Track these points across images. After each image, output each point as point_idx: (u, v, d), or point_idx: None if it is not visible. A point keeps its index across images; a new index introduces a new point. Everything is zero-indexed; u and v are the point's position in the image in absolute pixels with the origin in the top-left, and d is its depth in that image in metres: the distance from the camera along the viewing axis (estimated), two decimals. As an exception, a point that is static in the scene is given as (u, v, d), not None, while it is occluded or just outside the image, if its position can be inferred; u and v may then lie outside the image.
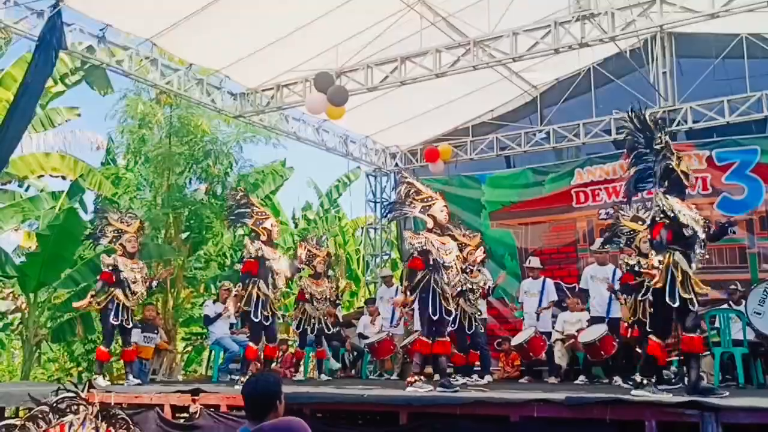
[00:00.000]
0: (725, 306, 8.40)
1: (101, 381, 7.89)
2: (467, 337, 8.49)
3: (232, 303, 8.14)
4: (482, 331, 9.02)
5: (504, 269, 11.40)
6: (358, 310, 14.14)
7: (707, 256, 6.19)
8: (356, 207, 43.05)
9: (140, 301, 8.51)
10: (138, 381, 8.25)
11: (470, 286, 8.31)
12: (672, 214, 5.69)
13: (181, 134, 13.20)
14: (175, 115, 13.21)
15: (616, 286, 8.43)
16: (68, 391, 6.29)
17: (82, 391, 6.89)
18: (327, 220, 19.28)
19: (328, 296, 9.29)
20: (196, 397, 6.79)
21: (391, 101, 11.12)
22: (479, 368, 9.04)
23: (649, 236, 6.14)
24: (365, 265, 15.16)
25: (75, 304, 9.09)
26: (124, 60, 9.29)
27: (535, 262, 9.84)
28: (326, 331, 9.44)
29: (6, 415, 7.67)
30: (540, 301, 9.33)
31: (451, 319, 6.97)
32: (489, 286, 9.10)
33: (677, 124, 10.67)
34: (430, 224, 6.87)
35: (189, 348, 16.97)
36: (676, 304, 5.64)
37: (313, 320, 9.17)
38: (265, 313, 7.65)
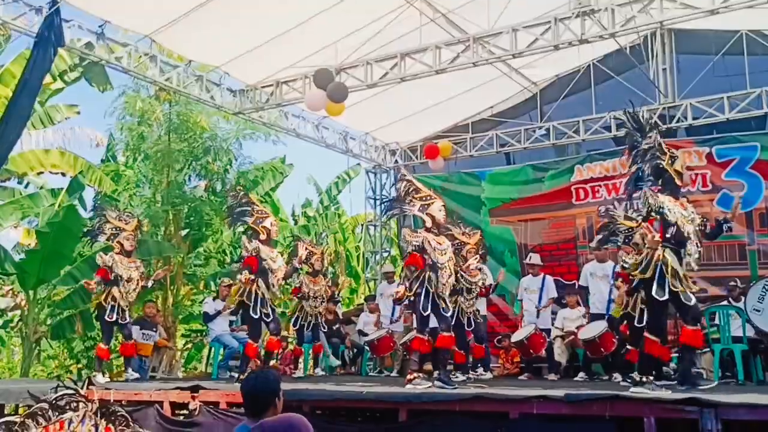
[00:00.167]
0: (725, 303, 8.42)
1: (101, 378, 7.90)
2: (468, 333, 8.48)
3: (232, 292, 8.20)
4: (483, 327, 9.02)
5: (504, 266, 11.41)
6: (358, 307, 14.14)
7: (700, 252, 6.16)
8: (356, 204, 43.16)
9: (133, 299, 8.50)
10: (137, 375, 8.26)
11: (467, 285, 8.30)
12: (661, 211, 5.72)
13: (181, 131, 13.18)
14: (174, 111, 13.19)
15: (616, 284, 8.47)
16: (68, 388, 6.27)
17: (82, 388, 6.88)
18: (327, 217, 19.28)
19: (323, 294, 9.33)
20: (195, 394, 6.79)
21: (391, 98, 11.11)
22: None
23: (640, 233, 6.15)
24: (365, 262, 15.16)
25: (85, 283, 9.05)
26: (123, 57, 9.27)
27: (535, 258, 9.83)
28: (322, 328, 9.49)
29: (5, 412, 7.67)
30: (540, 297, 9.32)
31: (449, 315, 6.96)
32: (491, 284, 9.11)
33: (677, 121, 10.66)
34: (428, 223, 6.87)
35: (189, 345, 16.99)
36: (664, 297, 5.65)
37: (310, 318, 9.23)
38: (264, 311, 7.68)
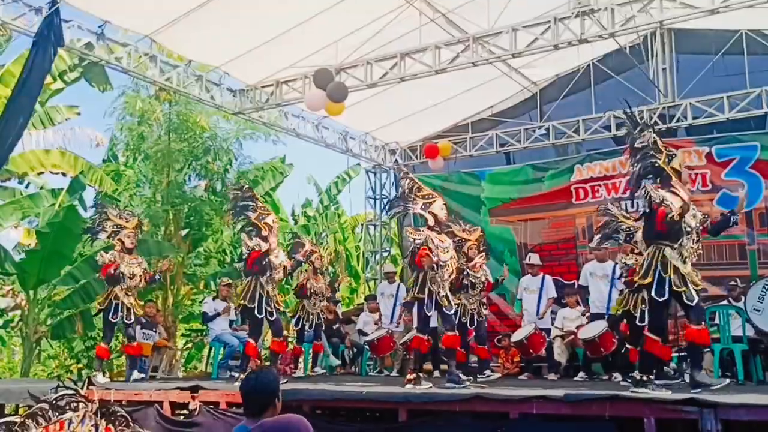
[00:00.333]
0: (725, 302, 8.41)
1: (101, 378, 7.91)
2: (470, 332, 8.49)
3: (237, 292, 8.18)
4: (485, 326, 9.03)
5: (504, 266, 11.39)
6: (358, 306, 14.14)
7: (701, 251, 6.13)
8: (356, 203, 43.10)
9: (138, 295, 8.49)
10: (142, 375, 8.24)
11: (472, 281, 8.32)
12: (666, 203, 5.69)
13: (181, 131, 13.19)
14: (174, 111, 13.20)
15: (618, 284, 8.45)
16: (68, 388, 6.28)
17: (82, 389, 6.89)
18: (327, 217, 19.28)
19: (324, 292, 9.42)
20: (195, 394, 6.80)
21: (391, 98, 11.11)
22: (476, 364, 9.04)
23: (642, 228, 6.08)
24: (365, 261, 15.16)
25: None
26: (123, 57, 9.26)
27: (534, 258, 9.82)
28: (320, 326, 9.52)
29: (6, 413, 7.68)
30: (539, 297, 9.32)
31: (452, 313, 6.96)
32: (498, 278, 9.13)
33: (677, 120, 10.66)
34: (431, 221, 6.90)
35: (189, 345, 17.00)
36: (663, 298, 5.62)
37: (311, 316, 9.24)
38: (269, 309, 7.65)
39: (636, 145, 5.93)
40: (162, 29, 9.14)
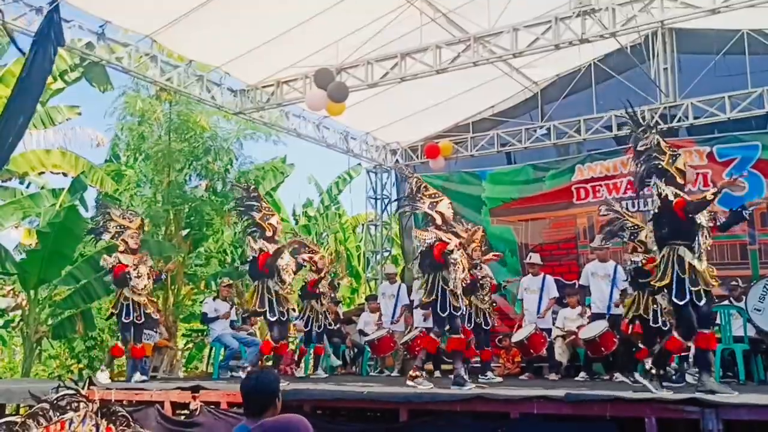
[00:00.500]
0: (726, 302, 8.39)
1: (102, 376, 7.88)
2: (491, 330, 8.52)
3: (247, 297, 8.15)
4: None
5: (505, 266, 11.39)
6: (359, 306, 14.13)
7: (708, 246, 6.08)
8: (357, 203, 43.13)
9: (147, 293, 8.46)
10: (145, 378, 8.21)
11: (481, 282, 8.34)
12: (676, 194, 5.65)
13: (181, 131, 13.19)
14: (174, 111, 13.20)
15: (619, 284, 8.44)
16: (69, 388, 6.29)
17: (83, 389, 6.89)
18: (327, 217, 19.30)
19: (327, 292, 9.48)
20: (196, 394, 6.80)
21: (392, 97, 11.10)
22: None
23: (654, 229, 5.96)
24: (366, 261, 15.16)
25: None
26: (123, 57, 9.26)
27: (535, 258, 9.81)
28: (329, 327, 9.53)
29: (7, 412, 7.68)
30: (540, 297, 9.31)
31: (460, 314, 6.95)
32: (501, 283, 9.14)
33: (678, 120, 10.65)
34: (438, 221, 6.89)
35: (190, 345, 17.00)
36: (684, 301, 5.54)
37: (320, 317, 9.29)
38: (281, 310, 7.63)
39: (639, 148, 5.90)
40: (162, 29, 9.14)
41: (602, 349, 8.12)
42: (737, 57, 10.23)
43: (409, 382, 6.62)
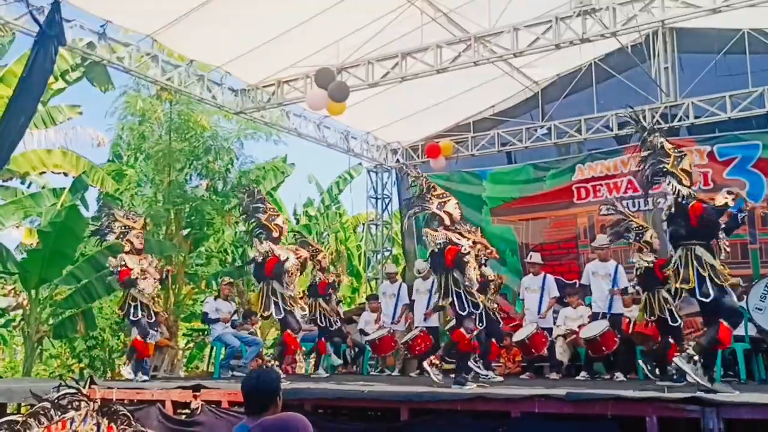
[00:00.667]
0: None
1: (127, 370, 7.90)
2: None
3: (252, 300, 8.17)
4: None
5: (505, 266, 11.40)
6: (360, 306, 14.14)
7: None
8: (357, 203, 43.08)
9: (153, 293, 8.47)
10: (146, 378, 8.20)
11: (488, 281, 8.38)
12: (692, 195, 5.63)
13: (182, 130, 13.20)
14: (175, 111, 13.20)
15: (621, 283, 8.44)
16: (70, 387, 6.29)
17: (84, 388, 6.89)
18: (328, 217, 19.29)
19: (332, 292, 9.53)
20: (197, 393, 6.81)
21: (392, 97, 11.11)
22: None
23: (668, 229, 5.92)
24: (366, 261, 15.16)
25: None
26: (124, 56, 9.28)
27: (536, 257, 9.80)
28: (333, 326, 9.57)
29: (8, 412, 7.69)
30: (541, 297, 9.30)
31: (478, 313, 6.94)
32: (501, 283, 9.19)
33: (679, 120, 10.65)
34: (446, 220, 6.89)
35: (190, 344, 17.01)
36: (710, 299, 5.51)
37: (329, 315, 9.38)
38: (287, 309, 7.65)
39: (643, 153, 5.89)
40: (163, 29, 9.15)
41: (603, 348, 8.11)
42: (738, 56, 10.23)
43: (425, 364, 6.62)
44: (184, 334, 16.63)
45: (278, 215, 7.99)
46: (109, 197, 13.53)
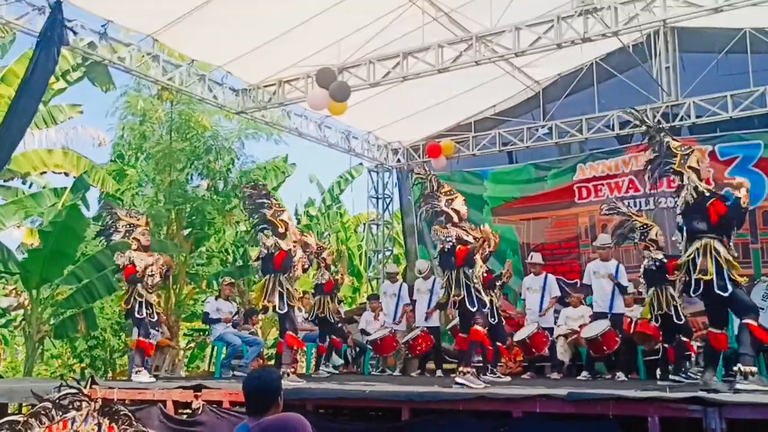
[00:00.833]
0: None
1: (143, 376, 7.86)
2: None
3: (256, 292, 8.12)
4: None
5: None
6: (361, 306, 14.14)
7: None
8: (358, 203, 43.11)
9: (159, 292, 8.48)
10: (152, 379, 8.15)
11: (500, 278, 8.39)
12: (711, 192, 5.59)
13: (183, 130, 13.20)
14: (176, 111, 13.20)
15: (623, 282, 8.45)
16: (71, 387, 6.28)
17: (85, 388, 6.89)
18: (329, 216, 19.30)
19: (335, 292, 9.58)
20: (198, 393, 6.80)
21: (393, 97, 11.11)
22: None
23: (682, 223, 5.81)
24: (367, 261, 15.16)
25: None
26: (125, 56, 9.27)
27: (537, 258, 9.80)
28: (335, 325, 9.64)
29: (9, 412, 7.69)
30: (542, 297, 9.30)
31: (487, 310, 6.93)
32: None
33: (680, 119, 10.63)
34: (455, 218, 6.89)
35: (191, 344, 17.01)
36: (728, 293, 5.44)
37: (333, 314, 9.41)
38: (291, 304, 7.66)
39: (650, 155, 5.87)
40: (164, 29, 9.15)
41: (604, 348, 8.12)
42: (739, 56, 10.21)
43: (458, 379, 6.41)
44: (185, 334, 16.63)
45: (284, 211, 7.97)
46: (110, 197, 13.52)
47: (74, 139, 14.17)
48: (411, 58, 9.50)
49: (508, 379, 8.39)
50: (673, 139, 6.03)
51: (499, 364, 8.88)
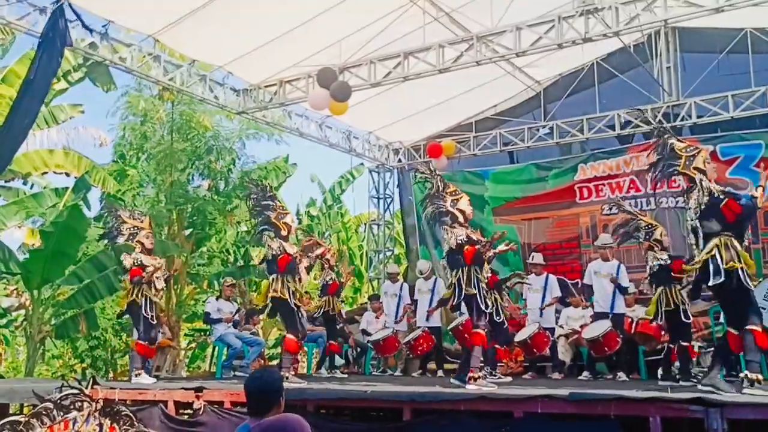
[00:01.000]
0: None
1: (143, 378, 7.84)
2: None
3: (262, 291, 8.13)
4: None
5: (507, 265, 11.38)
6: (362, 306, 14.14)
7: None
8: (359, 203, 43.11)
9: (162, 294, 8.47)
10: (153, 380, 8.15)
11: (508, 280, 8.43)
12: (724, 192, 5.57)
13: (184, 130, 13.20)
14: (177, 111, 13.21)
15: (624, 283, 8.44)
16: (72, 387, 6.29)
17: (86, 388, 6.89)
18: (330, 217, 19.31)
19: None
20: (199, 394, 6.80)
21: (394, 97, 11.11)
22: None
23: (697, 225, 5.74)
24: (368, 261, 15.16)
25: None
26: (126, 57, 9.27)
27: (538, 258, 9.80)
28: (338, 324, 9.67)
29: (10, 412, 7.70)
30: (543, 297, 9.30)
31: (488, 311, 6.92)
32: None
33: (681, 119, 10.63)
34: (461, 218, 6.88)
35: (192, 344, 17.02)
36: (754, 284, 5.47)
37: (336, 316, 9.45)
38: (297, 304, 7.64)
39: (653, 157, 5.86)
40: (165, 29, 9.15)
41: (605, 348, 8.11)
42: (740, 56, 10.21)
43: (470, 387, 6.37)
44: (186, 335, 16.64)
45: (287, 213, 7.96)
46: (112, 198, 13.53)
47: (75, 140, 14.18)
48: (412, 58, 9.50)
49: (509, 379, 8.37)
50: (678, 140, 6.00)
51: (499, 364, 8.88)
